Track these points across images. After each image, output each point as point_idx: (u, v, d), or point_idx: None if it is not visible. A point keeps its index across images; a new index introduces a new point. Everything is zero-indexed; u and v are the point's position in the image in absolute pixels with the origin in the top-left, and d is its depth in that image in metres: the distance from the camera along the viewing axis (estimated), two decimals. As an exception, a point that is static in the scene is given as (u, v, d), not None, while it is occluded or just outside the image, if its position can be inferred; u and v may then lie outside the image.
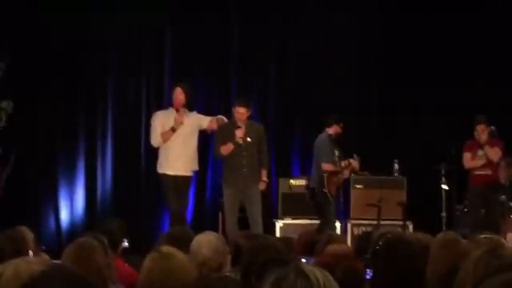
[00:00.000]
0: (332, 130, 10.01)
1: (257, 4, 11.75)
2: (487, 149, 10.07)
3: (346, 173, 10.07)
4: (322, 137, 10.01)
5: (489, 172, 10.16)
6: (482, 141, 10.08)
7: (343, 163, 10.00)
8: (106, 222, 6.28)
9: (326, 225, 9.64)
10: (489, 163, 10.12)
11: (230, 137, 9.17)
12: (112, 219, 6.74)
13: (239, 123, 9.20)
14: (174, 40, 11.62)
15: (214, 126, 9.51)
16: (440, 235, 4.88)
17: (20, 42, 10.92)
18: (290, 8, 11.82)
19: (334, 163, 9.94)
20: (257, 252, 4.08)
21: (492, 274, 3.02)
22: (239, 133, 9.16)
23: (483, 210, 10.20)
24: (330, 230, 9.31)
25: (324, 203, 9.84)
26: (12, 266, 2.71)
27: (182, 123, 9.30)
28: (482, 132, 10.07)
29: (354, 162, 10.01)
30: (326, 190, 9.80)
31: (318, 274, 2.50)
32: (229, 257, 4.81)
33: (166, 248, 3.80)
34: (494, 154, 10.09)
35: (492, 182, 10.16)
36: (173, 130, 9.28)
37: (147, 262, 3.74)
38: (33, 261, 2.90)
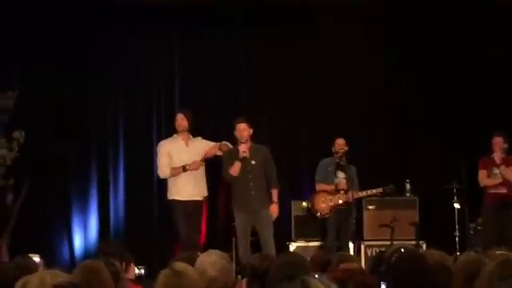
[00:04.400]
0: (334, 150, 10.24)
1: (263, 31, 11.83)
2: (503, 169, 10.02)
3: (340, 197, 10.12)
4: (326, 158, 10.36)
5: (504, 190, 10.10)
6: (498, 159, 10.04)
7: (339, 186, 10.13)
8: (107, 246, 6.20)
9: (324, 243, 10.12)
10: (504, 182, 10.08)
11: (236, 158, 9.22)
12: (110, 242, 6.71)
13: (242, 140, 9.24)
14: (183, 66, 11.69)
15: (213, 152, 9.56)
16: (462, 257, 4.87)
17: (30, 70, 11.00)
18: (297, 25, 11.87)
19: (327, 183, 10.19)
20: (283, 268, 4.08)
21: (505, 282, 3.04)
22: (243, 147, 9.19)
23: (498, 228, 10.14)
24: (326, 248, 9.56)
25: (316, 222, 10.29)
26: (38, 276, 2.77)
27: (196, 170, 9.40)
28: (496, 145, 10.02)
29: (349, 193, 10.09)
30: (311, 208, 10.25)
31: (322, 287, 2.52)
32: (234, 275, 4.80)
33: (178, 265, 3.84)
34: (511, 173, 10.07)
35: (507, 199, 10.11)
36: (184, 169, 9.35)
37: (160, 278, 3.78)
38: (58, 273, 2.96)
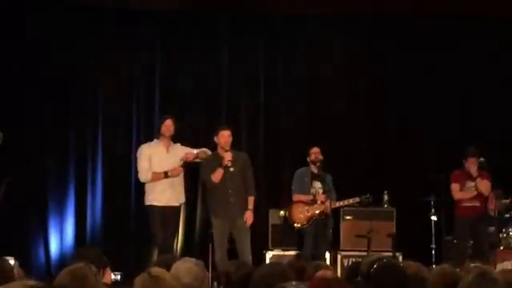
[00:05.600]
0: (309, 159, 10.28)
1: (247, 32, 11.86)
2: (479, 182, 10.09)
3: (318, 207, 10.13)
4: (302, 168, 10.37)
5: (477, 204, 10.18)
6: (474, 174, 10.10)
7: (316, 196, 10.15)
8: (84, 252, 6.12)
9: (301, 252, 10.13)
10: (478, 195, 10.15)
11: (218, 164, 9.19)
12: (88, 248, 6.65)
13: (226, 147, 9.23)
14: (164, 65, 11.69)
15: (190, 157, 9.54)
16: (437, 269, 4.89)
17: (8, 69, 10.95)
18: (279, 37, 11.93)
19: (304, 193, 10.22)
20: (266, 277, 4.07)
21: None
22: (228, 156, 9.17)
23: (471, 242, 10.21)
24: (302, 257, 9.57)
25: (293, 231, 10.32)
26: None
27: (177, 176, 9.39)
28: (472, 165, 10.10)
29: (327, 203, 10.08)
30: (288, 219, 10.26)
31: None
32: (208, 283, 4.78)
33: (155, 270, 3.83)
34: (485, 187, 10.12)
35: (480, 213, 10.18)
36: (165, 175, 9.32)
37: (137, 283, 3.77)
38: (28, 283, 2.96)
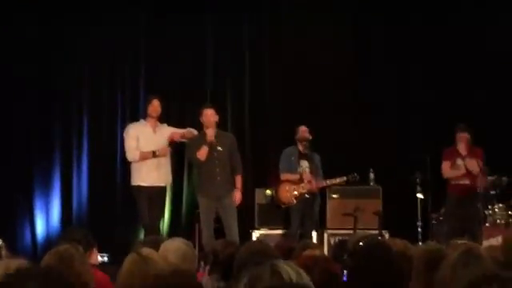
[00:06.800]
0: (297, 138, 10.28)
1: (231, 15, 11.83)
2: (468, 160, 10.00)
3: (304, 186, 10.13)
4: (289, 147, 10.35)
5: (467, 181, 10.07)
6: (463, 151, 10.05)
7: (303, 175, 10.15)
8: (71, 232, 6.10)
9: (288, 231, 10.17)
10: (468, 173, 10.09)
11: (203, 142, 9.19)
12: (75, 228, 6.65)
13: (209, 125, 9.22)
14: (148, 50, 11.65)
15: (176, 137, 9.53)
16: (422, 246, 4.90)
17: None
18: (265, 20, 11.91)
19: (291, 172, 10.22)
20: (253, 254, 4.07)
21: (470, 273, 3.06)
22: (210, 132, 9.17)
23: (461, 219, 10.17)
24: (289, 235, 9.60)
25: (279, 210, 10.35)
26: (2, 264, 2.78)
27: (165, 156, 9.34)
28: (461, 142, 10.05)
29: (314, 182, 10.09)
30: (275, 198, 10.34)
31: (291, 272, 2.54)
32: (197, 262, 4.80)
33: (144, 250, 3.83)
34: (475, 165, 10.04)
35: (470, 190, 10.09)
36: (153, 154, 9.30)
37: (126, 262, 3.76)
38: (22, 261, 2.97)
